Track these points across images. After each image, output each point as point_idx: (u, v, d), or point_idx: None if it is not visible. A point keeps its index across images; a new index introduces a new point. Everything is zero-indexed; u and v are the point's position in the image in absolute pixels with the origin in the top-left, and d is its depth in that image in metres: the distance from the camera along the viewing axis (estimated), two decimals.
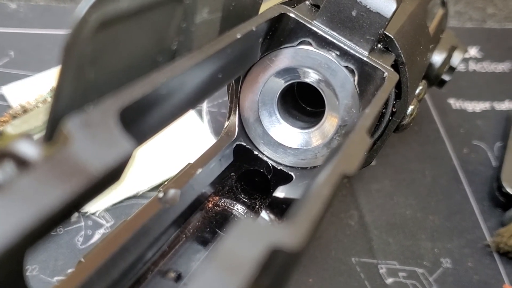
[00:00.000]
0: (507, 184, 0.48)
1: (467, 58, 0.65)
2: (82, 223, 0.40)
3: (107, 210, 0.41)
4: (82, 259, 0.23)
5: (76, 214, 0.40)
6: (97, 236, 0.40)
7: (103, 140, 0.17)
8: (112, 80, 0.20)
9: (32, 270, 0.37)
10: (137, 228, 0.25)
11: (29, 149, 0.16)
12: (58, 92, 0.17)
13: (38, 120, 0.43)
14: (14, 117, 0.44)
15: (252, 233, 0.16)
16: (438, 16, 0.46)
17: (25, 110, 0.44)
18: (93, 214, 0.41)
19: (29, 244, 0.15)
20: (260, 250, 0.16)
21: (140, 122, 0.20)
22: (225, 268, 0.15)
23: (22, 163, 0.16)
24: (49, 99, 0.45)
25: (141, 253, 0.26)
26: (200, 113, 0.50)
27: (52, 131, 0.17)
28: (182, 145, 0.46)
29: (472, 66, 0.65)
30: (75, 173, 0.16)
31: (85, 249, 0.39)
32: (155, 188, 0.43)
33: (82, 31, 0.17)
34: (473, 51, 0.67)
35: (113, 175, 0.17)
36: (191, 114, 0.49)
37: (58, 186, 0.15)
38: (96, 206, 0.41)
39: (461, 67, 0.64)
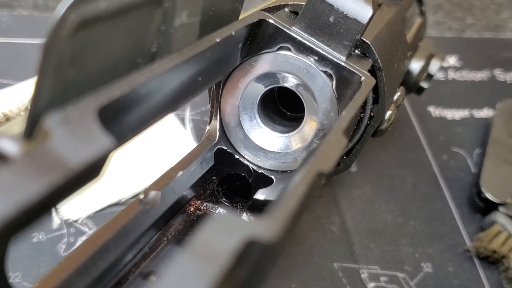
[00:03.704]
0: (486, 190, 0.49)
1: (446, 67, 0.67)
2: (65, 230, 0.40)
3: (89, 217, 0.41)
4: (63, 261, 0.24)
5: (58, 221, 0.40)
6: (79, 243, 0.40)
7: (82, 136, 0.17)
8: (92, 80, 0.20)
9: (15, 277, 0.37)
10: (118, 228, 0.25)
11: (8, 145, 0.17)
12: (37, 90, 0.18)
13: (20, 128, 0.43)
14: None
15: (228, 226, 0.16)
16: (416, 24, 0.47)
17: (7, 119, 0.44)
18: (76, 221, 0.41)
19: (11, 233, 0.15)
20: (236, 241, 0.16)
21: (119, 121, 0.20)
22: (200, 258, 0.15)
23: (1, 158, 0.16)
24: None
25: (121, 253, 0.26)
26: (183, 121, 0.50)
27: (32, 128, 0.18)
28: (164, 153, 0.46)
29: (452, 74, 0.66)
30: (54, 167, 0.16)
31: None
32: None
33: (61, 30, 0.17)
34: (452, 60, 0.68)
35: (91, 171, 0.18)
36: (173, 121, 0.49)
37: (37, 179, 0.15)
38: (79, 213, 0.41)
39: (440, 76, 0.65)
